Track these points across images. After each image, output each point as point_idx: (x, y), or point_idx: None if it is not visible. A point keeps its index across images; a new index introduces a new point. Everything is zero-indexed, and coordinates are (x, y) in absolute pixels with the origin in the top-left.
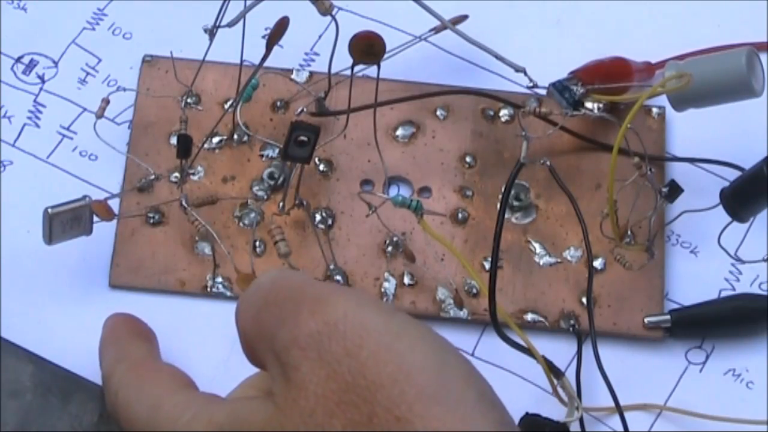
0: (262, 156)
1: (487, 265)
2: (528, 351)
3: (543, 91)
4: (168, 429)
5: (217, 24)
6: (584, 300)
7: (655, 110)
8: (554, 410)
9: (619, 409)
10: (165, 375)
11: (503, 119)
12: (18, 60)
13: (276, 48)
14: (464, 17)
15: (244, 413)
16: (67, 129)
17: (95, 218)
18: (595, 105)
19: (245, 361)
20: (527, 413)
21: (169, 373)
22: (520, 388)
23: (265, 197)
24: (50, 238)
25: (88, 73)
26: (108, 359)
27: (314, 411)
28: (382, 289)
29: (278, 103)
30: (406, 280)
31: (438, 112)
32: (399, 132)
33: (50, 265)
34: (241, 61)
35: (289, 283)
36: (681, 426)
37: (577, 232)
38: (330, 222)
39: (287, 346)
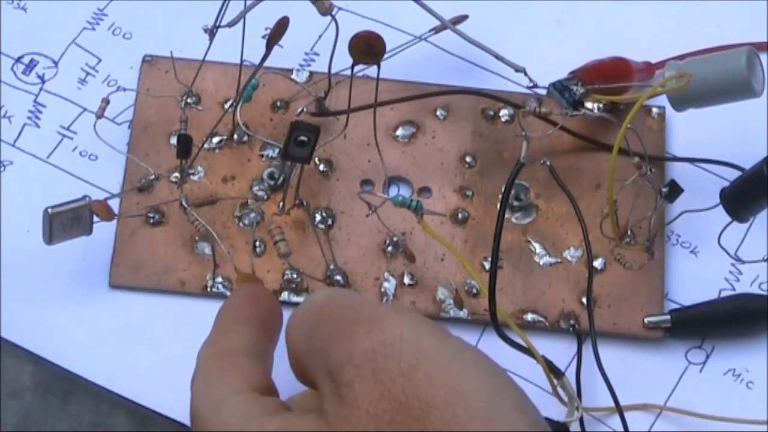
0: (262, 156)
1: (487, 265)
2: (528, 351)
3: (543, 91)
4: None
5: (217, 24)
6: (584, 300)
7: (655, 110)
8: (554, 410)
9: (619, 409)
10: (241, 374)
11: (503, 119)
12: (18, 60)
13: (276, 48)
14: (464, 17)
15: (296, 428)
16: (67, 129)
17: (95, 218)
18: (595, 105)
19: None
20: None
21: (246, 372)
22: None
23: (265, 197)
24: (50, 238)
25: (88, 73)
26: (208, 338)
27: (366, 429)
28: (382, 289)
29: (278, 103)
30: (406, 280)
31: (438, 112)
32: (399, 132)
33: (50, 265)
34: (241, 61)
35: (344, 302)
36: (681, 426)
37: (577, 232)
38: (330, 222)
39: (341, 363)
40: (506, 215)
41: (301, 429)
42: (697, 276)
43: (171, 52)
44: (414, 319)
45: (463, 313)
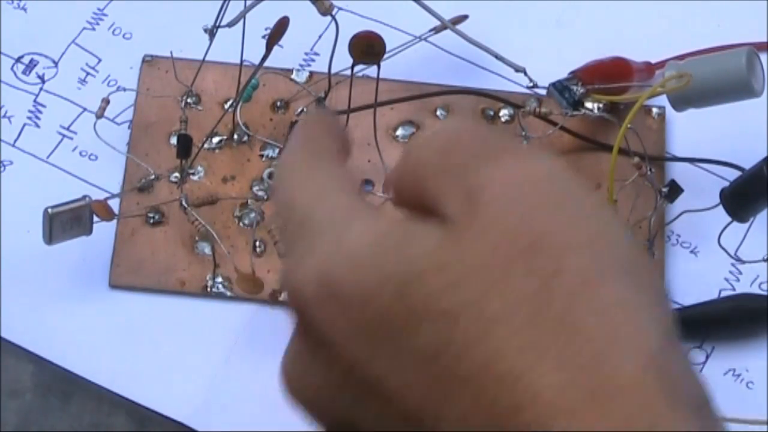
0: (262, 156)
1: None
2: None
3: (543, 91)
4: (324, 222)
5: (217, 24)
6: None
7: (655, 110)
8: None
9: None
10: (343, 173)
11: (503, 119)
12: (18, 60)
13: (276, 48)
14: (464, 17)
15: (416, 230)
16: (67, 129)
17: (95, 218)
18: (595, 105)
19: (245, 361)
20: None
21: (348, 174)
22: None
23: (265, 197)
24: (50, 238)
25: (88, 73)
26: (293, 139)
27: (498, 247)
28: None
29: (278, 103)
30: None
31: (438, 112)
32: (399, 132)
33: (50, 265)
34: (241, 61)
35: (487, 131)
36: None
37: None
38: None
39: (484, 182)
40: None
41: (422, 231)
42: (697, 276)
43: (171, 52)
44: (562, 165)
45: None
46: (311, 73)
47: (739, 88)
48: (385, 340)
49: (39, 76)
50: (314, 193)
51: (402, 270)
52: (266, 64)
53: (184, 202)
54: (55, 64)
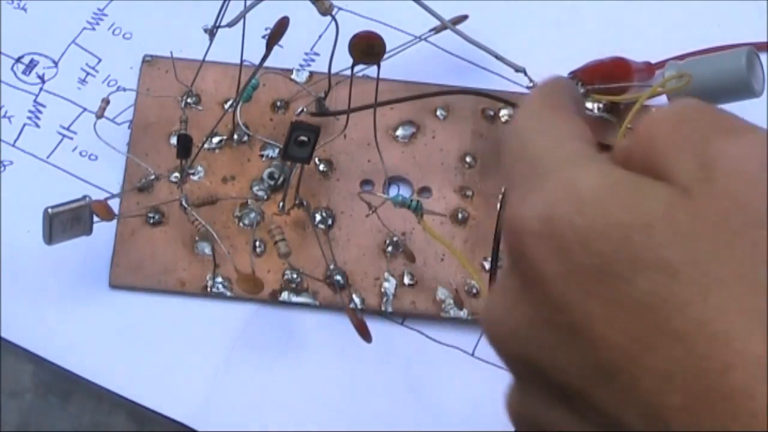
0: (262, 156)
1: (487, 265)
2: None
3: None
4: (557, 164)
5: (217, 24)
6: None
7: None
8: None
9: None
10: (579, 123)
11: (503, 119)
12: (18, 60)
13: (276, 48)
14: (464, 17)
15: (648, 184)
16: (67, 129)
17: (95, 218)
18: (595, 105)
19: (245, 361)
20: None
21: (584, 126)
22: None
23: (265, 197)
24: (50, 238)
25: (88, 73)
26: (532, 93)
27: (730, 214)
28: (382, 289)
29: (278, 103)
30: (406, 280)
31: (438, 112)
32: (399, 132)
33: (50, 265)
34: (241, 61)
35: (722, 110)
36: None
37: None
38: (330, 222)
39: (720, 154)
40: None
41: (655, 185)
42: None
43: (171, 52)
44: None
45: (463, 313)
46: (311, 73)
47: (739, 88)
48: (601, 284)
49: (39, 76)
50: (550, 136)
51: (630, 218)
52: (266, 64)
53: (184, 202)
54: (55, 64)
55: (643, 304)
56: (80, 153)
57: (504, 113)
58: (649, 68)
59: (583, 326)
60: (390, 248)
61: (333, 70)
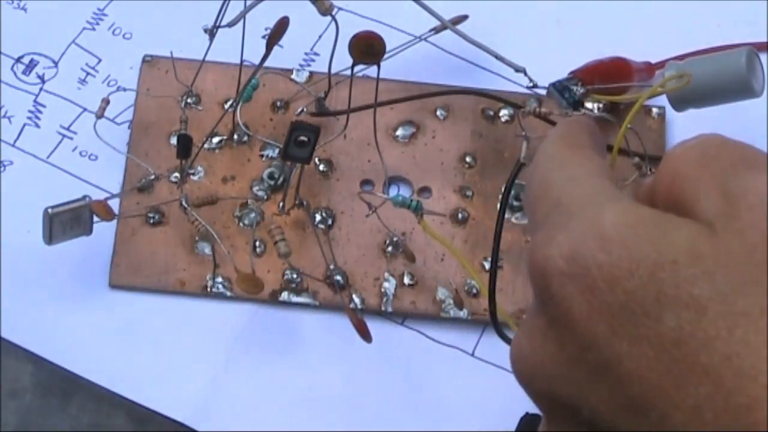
0: (262, 156)
1: (487, 265)
2: None
3: (543, 91)
4: (580, 202)
5: (217, 24)
6: None
7: (655, 110)
8: None
9: None
10: (600, 162)
11: (503, 119)
12: (18, 60)
13: (276, 48)
14: (464, 17)
15: (672, 220)
16: (67, 129)
17: (95, 218)
18: (595, 105)
19: (245, 361)
20: (527, 413)
21: (604, 165)
22: (520, 388)
23: (265, 197)
24: (50, 238)
25: (88, 73)
26: (554, 131)
27: (756, 248)
28: (382, 289)
29: (278, 103)
30: (406, 280)
31: (438, 112)
32: (399, 132)
33: (50, 265)
34: (241, 61)
35: (745, 144)
36: None
37: None
38: (330, 222)
39: (745, 189)
40: (506, 215)
41: (679, 222)
42: None
43: (171, 52)
44: None
45: (463, 313)
46: (311, 73)
47: (739, 88)
48: (628, 322)
49: (39, 76)
50: (571, 175)
51: (655, 255)
52: (266, 64)
53: (184, 202)
54: (55, 64)
55: (671, 340)
56: (80, 153)
57: (504, 113)
58: (649, 68)
59: (611, 363)
60: (390, 248)
61: (333, 70)
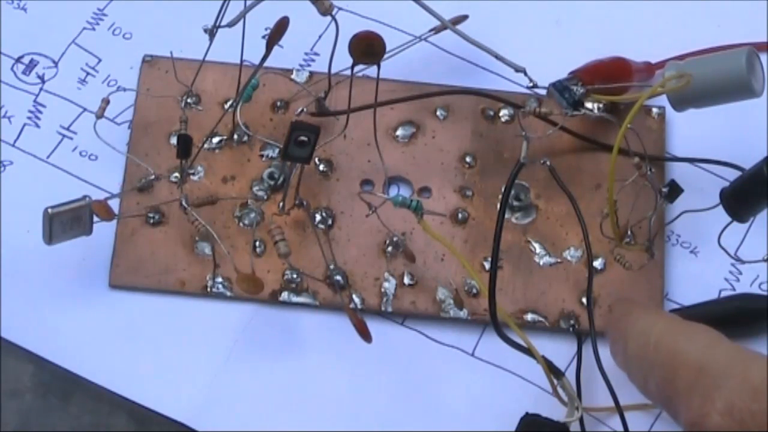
0: (262, 156)
1: (487, 265)
2: (528, 351)
3: (543, 91)
4: (725, 365)
5: (217, 24)
6: (584, 300)
7: (655, 110)
8: (554, 410)
9: (619, 409)
10: (715, 332)
11: (503, 119)
12: (18, 60)
13: (276, 48)
14: (464, 17)
15: None
16: (67, 129)
17: (95, 218)
18: (595, 105)
19: (245, 361)
20: (527, 413)
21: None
22: (520, 388)
23: (265, 197)
24: (50, 238)
25: (88, 73)
26: (645, 315)
27: None
28: (382, 289)
29: (278, 103)
30: (406, 280)
31: (438, 112)
32: (399, 132)
33: (50, 265)
34: (241, 61)
35: (688, 359)
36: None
37: (577, 232)
38: (330, 222)
39: (692, 422)
40: (506, 215)
41: None
42: (697, 276)
43: (171, 52)
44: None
45: (463, 313)
46: (311, 73)
47: (739, 88)
48: None
49: (39, 76)
50: (704, 344)
51: None
52: (266, 64)
53: (184, 202)
54: (55, 64)
55: None
56: (80, 153)
57: (504, 113)
58: (649, 68)
59: None
60: (390, 248)
61: (333, 70)
